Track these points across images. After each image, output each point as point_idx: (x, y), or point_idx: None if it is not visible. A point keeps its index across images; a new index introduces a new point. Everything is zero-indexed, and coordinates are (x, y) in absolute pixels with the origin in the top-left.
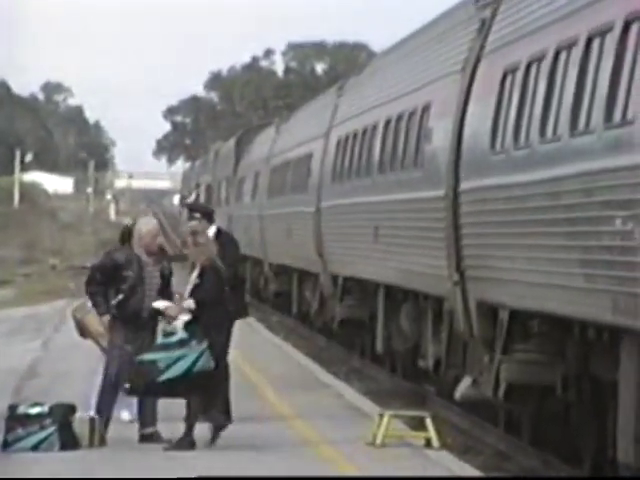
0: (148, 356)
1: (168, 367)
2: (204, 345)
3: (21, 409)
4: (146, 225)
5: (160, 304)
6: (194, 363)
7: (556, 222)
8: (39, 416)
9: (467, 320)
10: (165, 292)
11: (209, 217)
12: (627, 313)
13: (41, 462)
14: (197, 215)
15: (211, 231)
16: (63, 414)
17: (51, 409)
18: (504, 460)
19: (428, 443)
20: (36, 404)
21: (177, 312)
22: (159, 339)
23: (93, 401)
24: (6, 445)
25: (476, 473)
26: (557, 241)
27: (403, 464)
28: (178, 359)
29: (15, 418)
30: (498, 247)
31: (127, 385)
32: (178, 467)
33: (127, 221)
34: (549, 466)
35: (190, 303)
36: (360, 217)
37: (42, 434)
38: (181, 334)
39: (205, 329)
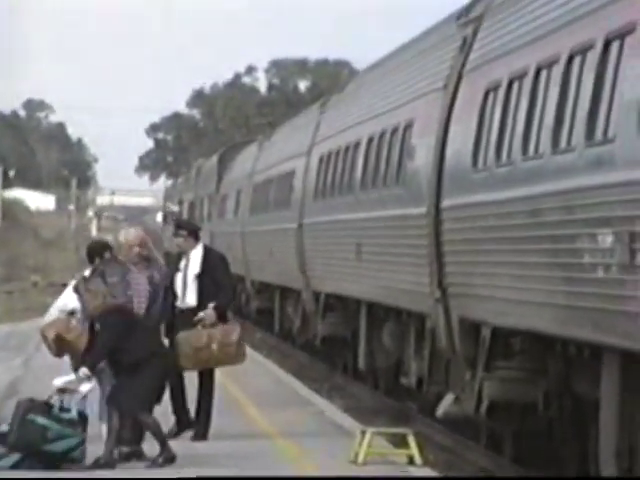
0: (41, 420)
1: (54, 440)
2: (84, 436)
3: (2, 427)
4: (125, 236)
5: (59, 382)
6: (71, 449)
7: (538, 239)
8: None
9: (449, 337)
10: (155, 299)
11: (195, 235)
12: (608, 330)
13: None
14: (183, 232)
15: (198, 249)
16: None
17: None
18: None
19: (410, 460)
20: None
21: (78, 385)
22: (55, 409)
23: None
24: None
25: None
26: (539, 258)
27: None
28: (64, 437)
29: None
30: (480, 264)
31: (6, 428)
32: None
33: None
34: None
35: (84, 371)
36: (342, 234)
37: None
38: (73, 413)
39: (125, 372)
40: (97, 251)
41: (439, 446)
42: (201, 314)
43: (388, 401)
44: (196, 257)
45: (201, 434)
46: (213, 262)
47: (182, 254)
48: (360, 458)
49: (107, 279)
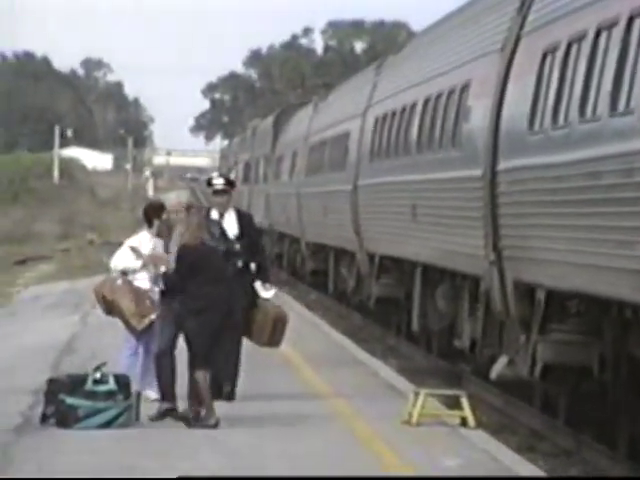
0: (70, 400)
1: (87, 417)
2: (130, 402)
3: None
4: (168, 200)
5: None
6: (115, 418)
7: (594, 202)
8: None
9: (503, 300)
10: None
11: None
12: None
13: (75, 438)
14: (230, 189)
15: (231, 210)
16: None
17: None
18: (539, 440)
19: (463, 422)
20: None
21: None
22: (88, 384)
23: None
24: (44, 419)
25: (511, 454)
26: (595, 221)
27: (438, 443)
28: (99, 411)
29: (54, 392)
30: (535, 227)
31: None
32: (214, 444)
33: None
34: (584, 446)
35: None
36: (397, 196)
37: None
38: (110, 385)
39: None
40: (155, 212)
41: (492, 408)
42: (270, 292)
43: (441, 363)
44: (231, 217)
45: (229, 394)
46: (248, 222)
47: (209, 212)
48: (413, 419)
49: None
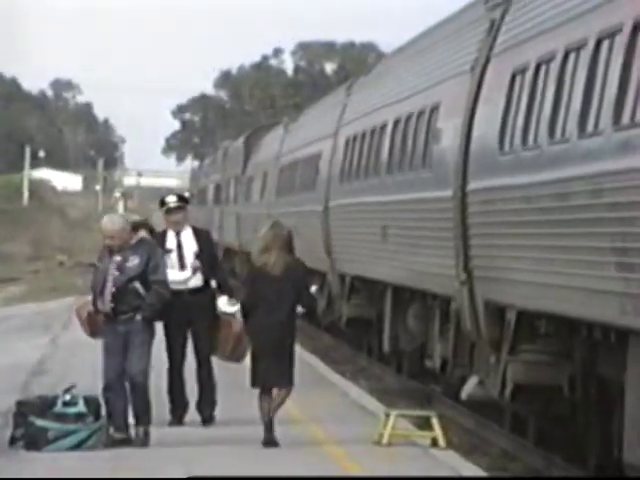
0: (40, 422)
1: (56, 439)
2: (99, 423)
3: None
4: (104, 224)
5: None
6: (83, 441)
7: (564, 223)
8: None
9: (474, 320)
10: (126, 285)
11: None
12: (634, 314)
13: (44, 460)
14: (185, 205)
15: (187, 227)
16: None
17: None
18: (510, 460)
19: (434, 443)
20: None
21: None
22: (58, 406)
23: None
24: (13, 441)
25: (481, 474)
26: (565, 242)
27: (409, 464)
28: (69, 433)
29: (23, 414)
30: (506, 247)
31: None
32: (179, 465)
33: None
34: (555, 467)
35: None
36: (368, 217)
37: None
38: (80, 407)
39: None
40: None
41: (463, 429)
42: (235, 307)
43: (412, 383)
44: (188, 234)
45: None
46: (205, 238)
47: (166, 233)
48: (384, 440)
49: (97, 264)
